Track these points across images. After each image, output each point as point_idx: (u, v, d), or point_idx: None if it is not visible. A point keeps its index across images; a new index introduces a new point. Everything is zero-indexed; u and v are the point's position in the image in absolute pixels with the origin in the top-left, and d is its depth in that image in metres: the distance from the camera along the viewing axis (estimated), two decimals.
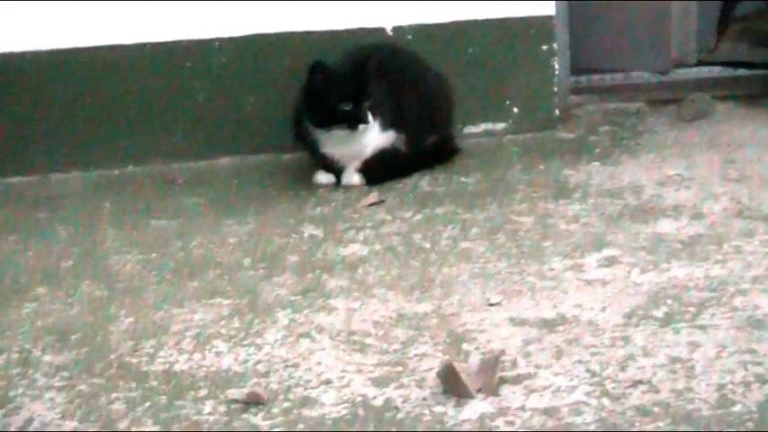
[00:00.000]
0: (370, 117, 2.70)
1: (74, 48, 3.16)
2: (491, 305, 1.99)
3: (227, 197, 2.85)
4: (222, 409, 1.68)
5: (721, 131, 3.15)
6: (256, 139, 3.23)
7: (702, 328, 1.84)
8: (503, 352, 1.76)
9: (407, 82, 2.94)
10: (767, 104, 3.46)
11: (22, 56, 3.17)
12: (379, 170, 2.83)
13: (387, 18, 3.16)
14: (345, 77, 2.73)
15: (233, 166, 3.17)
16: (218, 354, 1.87)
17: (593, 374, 1.69)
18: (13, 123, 3.20)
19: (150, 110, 3.23)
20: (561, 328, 1.87)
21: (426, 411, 1.62)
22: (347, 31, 3.14)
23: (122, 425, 1.65)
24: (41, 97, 3.20)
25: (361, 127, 2.70)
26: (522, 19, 3.19)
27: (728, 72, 3.90)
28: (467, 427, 1.57)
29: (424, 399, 1.66)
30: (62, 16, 3.14)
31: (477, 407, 1.62)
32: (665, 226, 2.36)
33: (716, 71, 3.94)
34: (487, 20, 3.18)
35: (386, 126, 2.81)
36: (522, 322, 1.91)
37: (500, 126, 3.26)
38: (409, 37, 3.17)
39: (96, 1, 3.14)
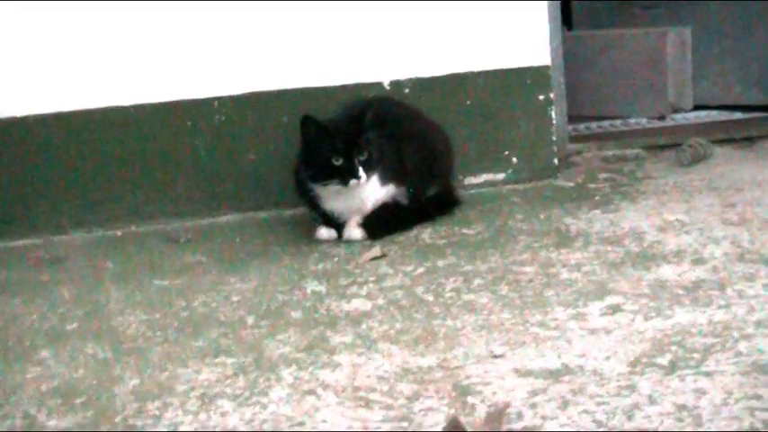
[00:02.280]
0: (361, 172, 2.70)
1: (75, 110, 3.20)
2: (495, 357, 1.99)
3: (229, 254, 2.86)
4: None
5: (720, 175, 3.17)
6: (257, 195, 3.26)
7: (708, 374, 1.83)
8: (508, 404, 1.75)
9: (407, 135, 2.96)
10: (765, 147, 3.48)
11: (24, 120, 3.20)
12: (381, 224, 2.84)
13: (384, 72, 3.20)
14: (338, 131, 2.74)
15: (235, 223, 3.18)
16: (223, 414, 1.86)
17: (600, 424, 1.68)
18: (17, 186, 3.23)
19: (151, 169, 3.25)
20: (566, 378, 1.87)
21: None
22: (345, 87, 3.18)
23: None
24: (44, 160, 3.22)
25: (353, 182, 2.70)
26: (518, 69, 3.22)
27: (725, 116, 3.93)
28: None
29: None
30: (63, 80, 3.18)
31: None
32: (667, 272, 2.36)
33: (713, 115, 3.97)
34: (484, 71, 3.22)
35: (386, 180, 2.83)
36: (526, 373, 1.91)
37: (500, 176, 3.28)
38: (407, 90, 3.20)
39: (96, 64, 3.17)
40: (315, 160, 2.74)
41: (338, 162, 2.70)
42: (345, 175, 2.70)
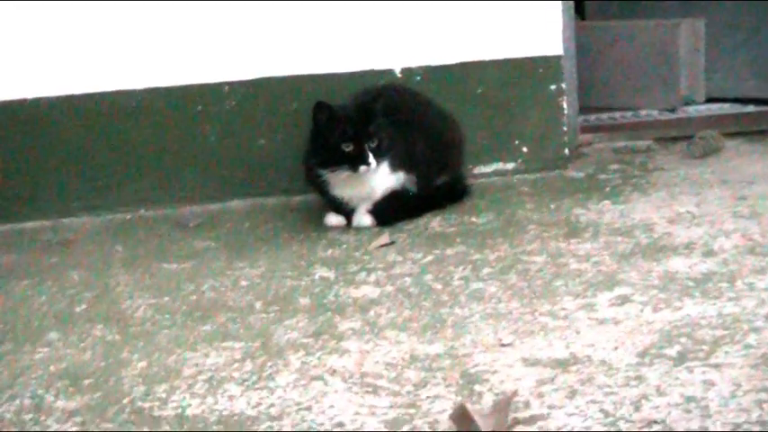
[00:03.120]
0: (371, 158, 2.70)
1: (85, 93, 3.19)
2: (503, 345, 1.98)
3: (238, 240, 2.86)
4: None
5: (731, 168, 3.15)
6: (267, 181, 3.25)
7: (716, 366, 1.82)
8: (515, 393, 1.75)
9: (417, 123, 2.95)
10: None
11: (35, 102, 3.20)
12: (390, 211, 2.83)
13: (396, 60, 3.19)
14: (349, 118, 2.73)
15: (244, 209, 3.18)
16: (230, 397, 1.87)
17: (607, 414, 1.68)
18: (26, 169, 3.23)
19: (161, 153, 3.25)
20: (574, 367, 1.86)
21: None
22: (356, 74, 3.17)
23: None
24: (54, 142, 3.22)
25: (362, 168, 2.70)
26: (530, 59, 3.21)
27: (737, 108, 3.91)
28: None
29: None
30: (74, 63, 3.18)
31: None
32: (677, 264, 2.35)
33: (725, 108, 3.95)
34: (496, 60, 3.21)
35: (396, 167, 2.82)
36: (534, 362, 1.90)
37: (510, 166, 3.27)
38: (418, 78, 3.19)
39: (107, 47, 3.17)
40: (325, 146, 2.74)
41: (348, 148, 2.70)
42: (355, 162, 2.70)
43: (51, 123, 3.21)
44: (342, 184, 2.79)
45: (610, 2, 4.34)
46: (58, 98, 3.20)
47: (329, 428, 1.72)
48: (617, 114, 3.99)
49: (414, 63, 3.20)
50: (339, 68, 3.19)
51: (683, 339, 1.94)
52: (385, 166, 2.79)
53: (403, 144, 2.86)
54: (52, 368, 2.07)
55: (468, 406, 1.66)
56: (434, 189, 2.94)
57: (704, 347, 1.90)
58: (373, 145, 2.71)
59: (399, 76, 3.20)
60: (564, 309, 2.15)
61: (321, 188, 2.85)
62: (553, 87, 3.25)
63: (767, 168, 3.11)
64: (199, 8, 3.17)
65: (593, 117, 3.93)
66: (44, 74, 3.18)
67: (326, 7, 3.17)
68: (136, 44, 3.18)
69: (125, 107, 3.22)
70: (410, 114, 2.96)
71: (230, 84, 3.21)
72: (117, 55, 3.18)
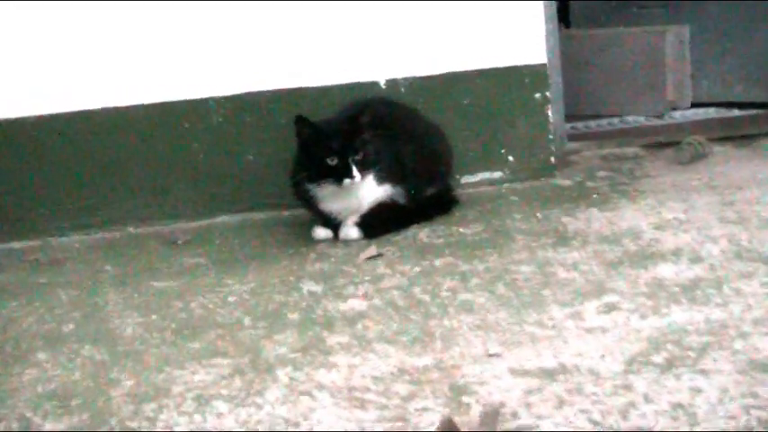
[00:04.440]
0: (355, 172, 2.70)
1: (71, 112, 3.19)
2: (491, 356, 1.98)
3: (227, 256, 2.85)
4: None
5: (718, 173, 3.16)
6: (255, 196, 3.25)
7: (704, 373, 1.83)
8: (502, 404, 1.75)
9: (404, 135, 2.95)
10: (764, 145, 3.47)
11: (21, 121, 3.19)
12: (378, 223, 2.83)
13: (380, 72, 3.19)
14: (333, 132, 2.74)
15: (233, 224, 3.18)
16: (218, 415, 1.86)
17: (595, 424, 1.68)
18: (14, 188, 3.22)
19: (149, 170, 3.25)
20: (562, 377, 1.86)
21: None
22: (341, 86, 3.17)
23: None
24: (41, 161, 3.22)
25: (347, 181, 2.70)
26: (515, 68, 3.21)
27: (724, 113, 3.92)
28: None
29: None
30: (59, 81, 3.17)
31: None
32: (665, 270, 2.36)
33: (711, 112, 3.96)
34: (480, 70, 3.21)
35: (383, 179, 2.82)
36: (523, 373, 1.90)
37: (497, 175, 3.27)
38: (403, 90, 3.19)
39: (92, 65, 3.17)
40: (310, 160, 2.75)
41: (333, 162, 2.70)
42: (340, 175, 2.70)
43: (38, 142, 3.21)
44: (329, 198, 2.79)
45: (595, 9, 4.34)
46: (44, 117, 3.19)
47: None
48: (604, 122, 4.00)
49: (399, 74, 3.20)
50: (324, 82, 3.19)
51: (670, 346, 1.95)
52: (372, 179, 2.79)
53: (390, 156, 2.86)
54: (40, 389, 2.06)
55: (456, 418, 1.66)
56: (422, 200, 2.94)
57: (692, 354, 1.90)
58: (358, 158, 2.71)
59: (384, 87, 3.20)
60: (552, 318, 2.15)
61: (309, 202, 2.85)
62: (538, 96, 3.25)
63: (754, 173, 3.11)
64: (183, 25, 3.17)
65: (580, 125, 3.93)
66: (30, 93, 3.18)
67: (310, 21, 3.17)
68: (121, 61, 3.18)
69: (112, 124, 3.21)
70: (397, 126, 2.95)
71: (216, 99, 3.21)
72: (103, 73, 3.18)
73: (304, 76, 3.19)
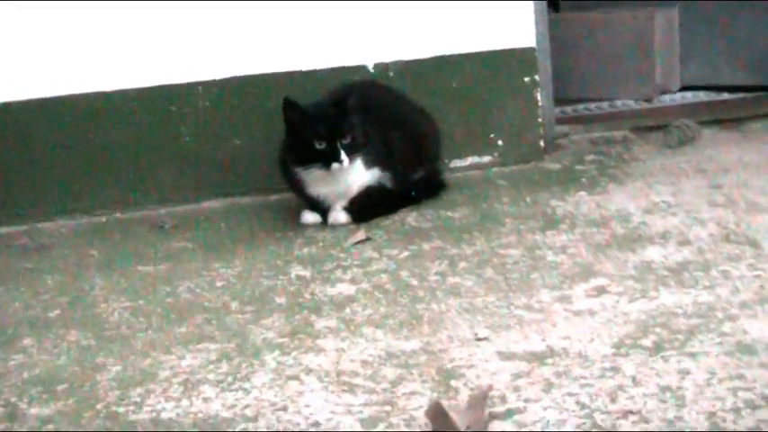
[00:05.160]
0: (343, 156, 2.68)
1: (57, 96, 3.17)
2: (479, 340, 1.98)
3: (214, 240, 2.84)
4: None
5: (707, 157, 3.16)
6: (243, 180, 3.24)
7: (692, 355, 1.82)
8: (490, 387, 1.75)
9: (392, 119, 2.94)
10: (752, 128, 3.47)
11: (7, 106, 3.17)
12: (366, 208, 2.82)
13: (368, 55, 3.18)
14: (321, 115, 2.73)
15: (220, 209, 3.17)
16: (205, 399, 1.85)
17: (583, 407, 1.68)
18: (0, 173, 3.20)
19: (136, 155, 3.23)
20: (550, 360, 1.86)
21: None
22: (329, 70, 3.16)
23: None
24: (28, 146, 3.20)
25: (335, 166, 2.69)
26: (503, 52, 3.20)
27: (712, 96, 3.92)
28: None
29: None
30: (45, 65, 3.15)
31: None
32: (653, 253, 2.35)
33: (700, 96, 3.96)
34: (469, 53, 3.20)
35: (371, 163, 2.81)
36: (510, 356, 1.90)
37: (486, 159, 3.27)
38: (391, 74, 3.18)
39: (77, 49, 3.15)
40: (298, 144, 2.74)
41: (321, 146, 2.69)
42: (328, 159, 2.69)
43: (24, 127, 3.18)
44: (317, 182, 2.78)
45: None
46: (30, 101, 3.17)
47: (305, 428, 1.71)
48: (593, 105, 3.99)
49: (387, 58, 3.19)
50: (312, 65, 3.18)
51: (658, 329, 1.94)
52: (360, 163, 2.77)
53: (378, 140, 2.85)
54: (26, 375, 2.05)
55: (444, 403, 1.65)
56: (410, 184, 2.93)
57: (680, 337, 1.90)
58: (346, 142, 2.70)
59: (373, 71, 3.19)
60: (540, 301, 2.14)
61: (297, 186, 2.84)
62: (527, 80, 3.24)
63: (742, 156, 3.11)
64: (170, 8, 3.14)
65: (569, 108, 3.92)
66: (15, 77, 3.16)
67: (298, 5, 3.16)
68: (107, 46, 3.16)
69: (98, 109, 3.19)
70: (385, 110, 2.95)
71: (203, 83, 3.19)
72: (88, 57, 3.16)
73: (292, 60, 3.17)
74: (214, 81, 3.19)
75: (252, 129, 3.21)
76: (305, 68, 3.18)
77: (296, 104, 2.73)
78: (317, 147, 2.69)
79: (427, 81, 3.20)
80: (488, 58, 3.21)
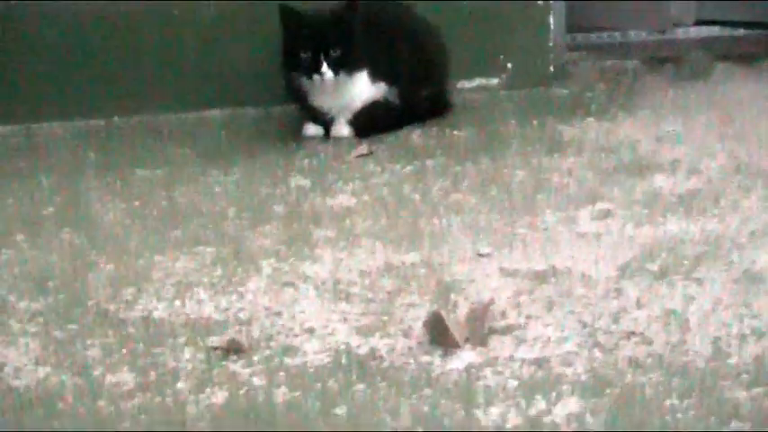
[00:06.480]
0: (325, 68, 2.65)
1: None
2: (481, 256, 1.94)
3: (214, 148, 2.79)
4: (201, 356, 1.62)
5: (719, 91, 3.10)
6: (246, 91, 3.16)
7: (698, 281, 1.79)
8: (492, 301, 1.71)
9: (400, 34, 2.88)
10: (766, 64, 3.41)
11: (7, 5, 3.09)
12: (370, 122, 2.77)
13: None
14: (314, 24, 2.70)
15: (222, 119, 3.10)
16: (198, 301, 1.82)
17: (585, 326, 1.64)
18: None
19: (139, 61, 3.16)
20: (553, 279, 1.82)
21: (411, 361, 1.57)
22: None
23: (97, 371, 1.59)
24: (25, 46, 3.13)
25: (316, 78, 2.66)
26: None
27: (727, 31, 3.84)
28: (453, 376, 1.51)
29: (410, 348, 1.61)
30: None
31: (464, 357, 1.57)
32: (661, 181, 2.31)
33: (714, 30, 3.88)
34: None
35: (376, 78, 2.75)
36: (512, 273, 1.86)
37: (494, 81, 3.20)
38: None
39: None
40: (287, 50, 2.72)
41: (306, 54, 2.66)
42: (308, 70, 2.67)
43: (23, 27, 3.11)
44: (321, 94, 2.72)
45: None
46: (32, 3, 3.09)
47: (299, 334, 1.68)
48: (605, 34, 3.91)
49: None
50: None
51: (664, 255, 1.90)
52: (364, 77, 2.72)
53: (385, 55, 2.79)
54: (17, 270, 2.01)
55: (444, 314, 1.62)
56: (416, 101, 2.87)
57: (686, 263, 1.86)
58: (335, 54, 2.65)
59: None
60: (544, 222, 2.10)
61: (299, 97, 2.79)
62: (540, 3, 3.17)
63: (755, 92, 3.05)
64: None
65: (580, 36, 3.84)
66: None
67: None
68: None
69: (102, 13, 3.11)
70: (392, 24, 2.88)
71: None
72: None
73: None
74: None
75: (257, 40, 3.12)
76: None
77: (293, 10, 2.69)
78: (302, 55, 2.66)
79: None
80: None
